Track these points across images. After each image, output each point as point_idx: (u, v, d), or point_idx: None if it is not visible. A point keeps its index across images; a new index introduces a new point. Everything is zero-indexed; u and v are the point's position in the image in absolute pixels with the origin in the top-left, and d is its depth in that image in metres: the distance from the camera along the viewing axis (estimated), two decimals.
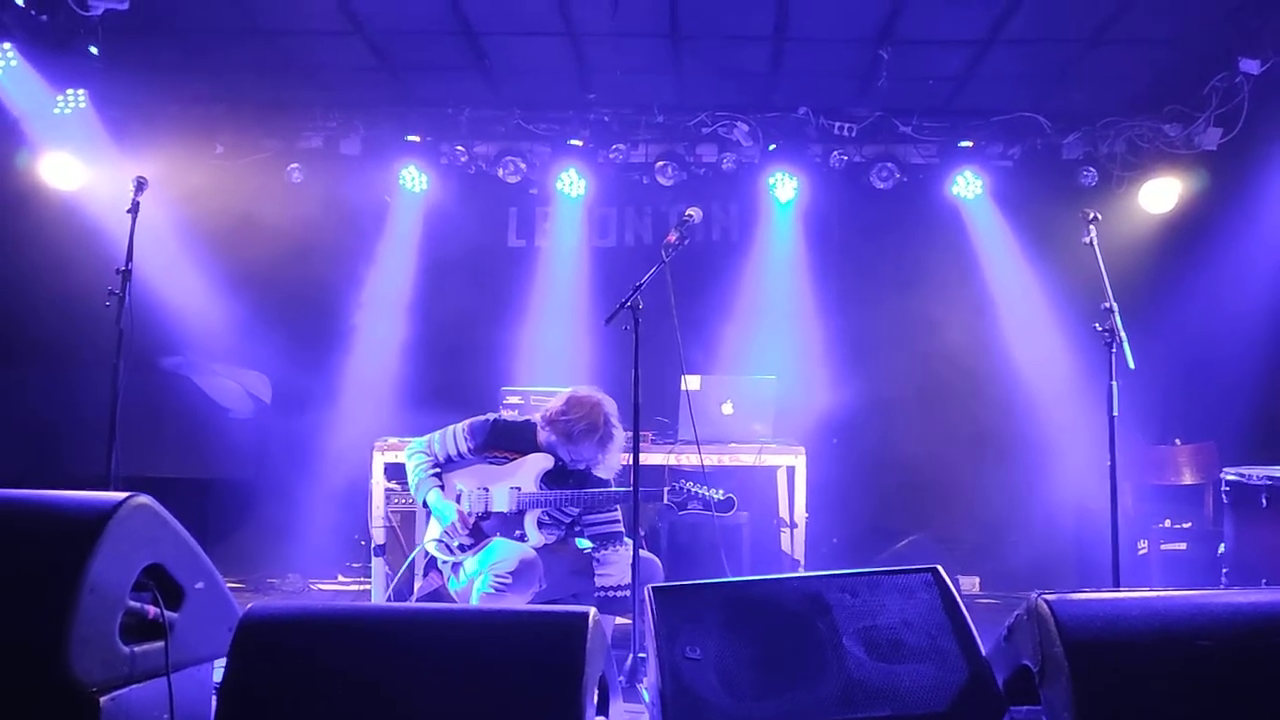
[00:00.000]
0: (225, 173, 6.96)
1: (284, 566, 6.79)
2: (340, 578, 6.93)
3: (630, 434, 4.29)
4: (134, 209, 4.54)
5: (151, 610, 2.92)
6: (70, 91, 6.10)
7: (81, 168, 6.59)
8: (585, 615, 2.69)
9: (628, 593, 4.29)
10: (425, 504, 4.59)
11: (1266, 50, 5.66)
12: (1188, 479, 6.45)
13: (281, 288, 6.94)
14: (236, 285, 6.86)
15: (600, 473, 4.66)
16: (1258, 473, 5.02)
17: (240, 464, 6.85)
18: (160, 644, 2.92)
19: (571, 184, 7.02)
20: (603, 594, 4.46)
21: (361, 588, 6.74)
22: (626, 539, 4.56)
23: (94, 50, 5.51)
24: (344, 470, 6.72)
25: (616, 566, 4.49)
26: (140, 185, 4.58)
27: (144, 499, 2.95)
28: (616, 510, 4.60)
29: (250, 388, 6.96)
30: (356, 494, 6.58)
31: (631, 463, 4.26)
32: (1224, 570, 5.18)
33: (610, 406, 4.56)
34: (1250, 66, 5.76)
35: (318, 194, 6.96)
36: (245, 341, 6.91)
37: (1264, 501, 4.91)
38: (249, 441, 6.83)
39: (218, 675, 3.32)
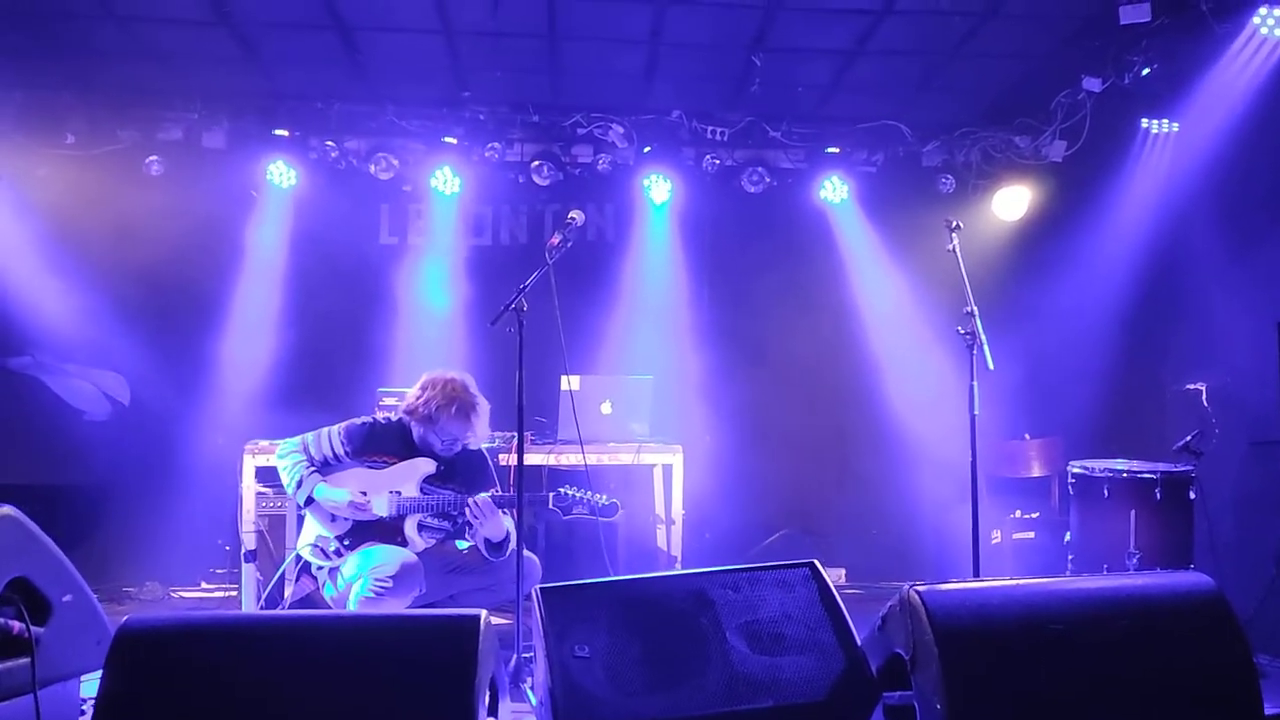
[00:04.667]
0: (77, 164, 6.63)
1: (142, 575, 6.54)
2: (204, 584, 6.70)
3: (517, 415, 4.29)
4: None
5: (16, 625, 2.81)
6: None
7: None
8: (476, 618, 2.70)
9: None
10: (311, 499, 4.48)
11: (1107, 69, 6.04)
12: (1036, 471, 6.83)
13: (142, 285, 6.64)
14: (92, 282, 6.53)
15: (473, 444, 4.66)
16: (1100, 465, 5.38)
17: (95, 468, 6.53)
18: (26, 660, 2.82)
19: (446, 181, 6.95)
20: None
21: (226, 594, 6.52)
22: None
23: None
24: (207, 474, 6.51)
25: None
26: None
27: (8, 509, 2.84)
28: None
29: (106, 389, 6.65)
30: (220, 499, 6.38)
31: (515, 463, 4.27)
32: (1070, 557, 5.53)
33: (466, 379, 4.59)
34: (1092, 84, 6.14)
35: (179, 188, 6.69)
36: (101, 341, 6.60)
37: (1105, 493, 5.27)
38: (105, 445, 6.51)
39: (86, 690, 3.22)
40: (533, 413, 5.65)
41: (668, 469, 5.73)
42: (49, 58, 6.24)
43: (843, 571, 6.98)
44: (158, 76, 6.47)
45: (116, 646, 2.59)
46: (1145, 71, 5.90)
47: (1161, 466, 5.24)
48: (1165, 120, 6.30)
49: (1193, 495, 5.16)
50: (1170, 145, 6.32)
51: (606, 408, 5.71)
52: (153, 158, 6.65)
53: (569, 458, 5.56)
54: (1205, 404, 5.62)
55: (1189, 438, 5.23)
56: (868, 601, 5.95)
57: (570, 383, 5.32)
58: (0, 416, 6.08)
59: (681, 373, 6.90)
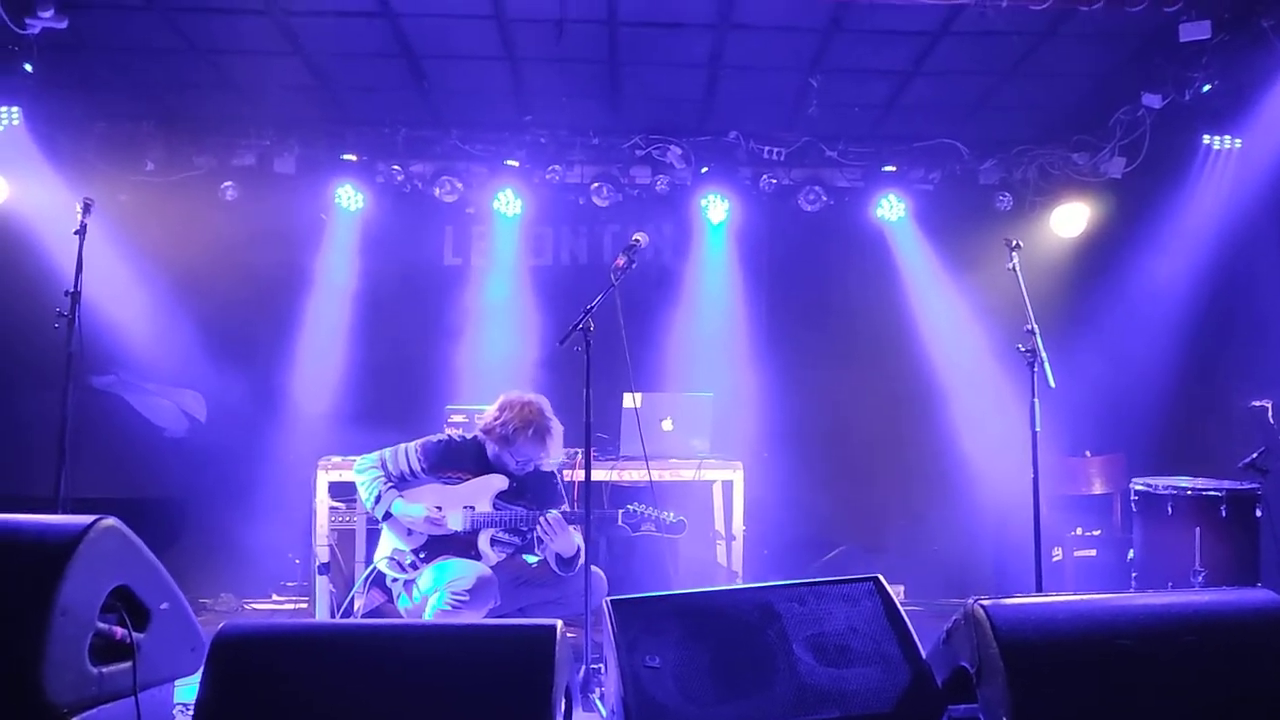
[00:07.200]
0: (156, 190, 6.89)
1: (217, 586, 6.72)
2: (275, 597, 6.88)
3: (583, 431, 4.40)
4: (81, 230, 4.51)
5: (119, 631, 2.96)
6: (3, 109, 6.00)
7: (3, 185, 6.47)
8: (553, 627, 2.80)
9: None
10: (389, 514, 4.61)
11: (1167, 86, 5.99)
12: (1098, 489, 6.77)
13: (218, 306, 6.89)
14: (170, 303, 6.79)
15: (546, 465, 4.78)
16: (1163, 483, 5.36)
17: (173, 483, 6.76)
18: (127, 664, 2.96)
19: (508, 203, 7.11)
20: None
21: (296, 606, 6.70)
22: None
23: (28, 68, 5.43)
24: (279, 489, 6.68)
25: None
26: (88, 207, 4.56)
27: (112, 521, 2.99)
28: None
29: (185, 406, 6.89)
30: (290, 513, 6.56)
31: (580, 479, 4.37)
32: (1133, 574, 5.50)
33: (542, 403, 4.70)
34: (1152, 101, 6.10)
35: (252, 212, 6.92)
36: (180, 360, 6.84)
37: (1170, 510, 5.25)
38: (183, 460, 6.75)
39: (179, 696, 3.37)
40: (595, 429, 5.75)
41: (728, 485, 5.80)
42: (130, 89, 6.51)
43: (902, 588, 6.96)
44: (233, 105, 6.71)
45: (216, 652, 2.73)
46: (1206, 88, 5.84)
47: (1226, 484, 5.21)
48: (1227, 136, 6.26)
49: (1259, 513, 5.12)
50: (1233, 161, 6.27)
51: (668, 425, 5.80)
52: (227, 183, 6.90)
53: (631, 474, 5.65)
54: (1271, 421, 5.56)
55: (1255, 455, 5.19)
56: (927, 619, 5.91)
57: (633, 400, 5.41)
58: (85, 433, 6.27)
59: (741, 390, 6.96)
